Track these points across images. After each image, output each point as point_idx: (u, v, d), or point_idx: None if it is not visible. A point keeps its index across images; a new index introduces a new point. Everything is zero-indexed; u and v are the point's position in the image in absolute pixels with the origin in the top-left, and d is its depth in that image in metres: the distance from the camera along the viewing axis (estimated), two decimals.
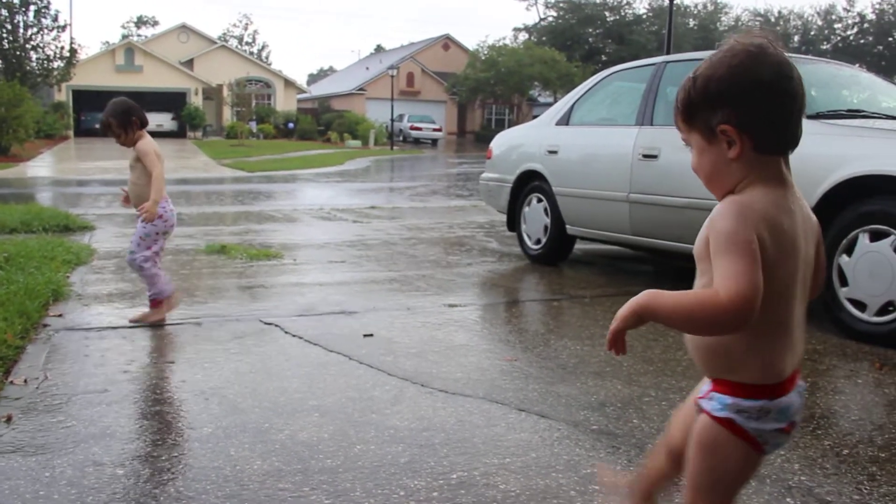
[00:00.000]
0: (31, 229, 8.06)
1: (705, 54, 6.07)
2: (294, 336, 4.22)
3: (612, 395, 3.33)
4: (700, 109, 1.47)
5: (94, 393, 3.27)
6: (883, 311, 4.20)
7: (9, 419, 2.95)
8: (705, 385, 1.55)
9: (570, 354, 3.97)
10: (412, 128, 49.31)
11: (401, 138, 48.38)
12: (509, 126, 9.47)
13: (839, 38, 60.66)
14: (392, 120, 46.54)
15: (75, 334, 4.21)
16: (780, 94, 1.43)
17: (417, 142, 48.59)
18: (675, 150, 5.50)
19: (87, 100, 45.75)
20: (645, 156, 5.69)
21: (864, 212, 4.28)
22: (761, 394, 1.47)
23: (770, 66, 1.43)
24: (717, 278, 1.38)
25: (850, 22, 61.02)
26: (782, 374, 1.48)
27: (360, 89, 55.10)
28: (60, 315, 4.58)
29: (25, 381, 3.38)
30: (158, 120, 47.53)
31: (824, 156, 4.46)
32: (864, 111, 5.22)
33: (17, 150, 25.21)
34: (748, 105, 1.42)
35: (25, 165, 22.14)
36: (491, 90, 50.53)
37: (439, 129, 50.02)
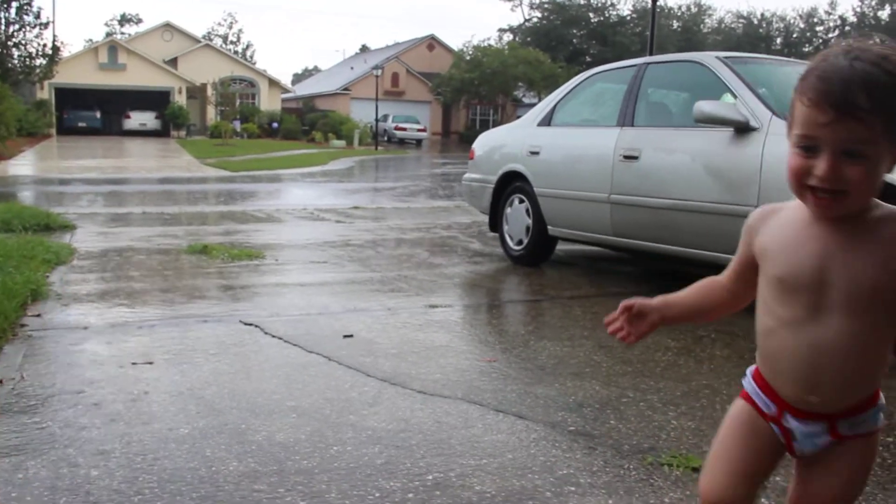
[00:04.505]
0: (10, 228, 7.99)
1: (686, 56, 6.12)
2: (274, 337, 4.20)
3: (590, 397, 3.33)
4: None
5: (70, 393, 3.25)
6: None
7: None
8: (811, 426, 1.44)
9: (549, 355, 3.97)
10: (397, 128, 49.27)
11: (385, 138, 48.34)
12: (494, 127, 9.45)
13: (821, 40, 61.06)
14: (376, 120, 46.48)
15: (53, 334, 4.18)
16: None
17: (402, 142, 48.57)
18: (655, 151, 5.53)
19: (70, 98, 45.55)
20: (626, 157, 5.71)
21: None
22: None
23: None
24: None
25: (831, 25, 61.46)
26: None
27: (345, 89, 55.02)
28: (39, 315, 4.55)
29: (1, 381, 3.35)
30: (142, 118, 47.39)
31: None
32: None
33: None
34: None
35: (7, 164, 21.96)
36: (475, 91, 50.58)
37: (424, 130, 49.99)
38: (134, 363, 3.71)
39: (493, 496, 2.38)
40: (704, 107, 4.96)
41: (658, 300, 1.64)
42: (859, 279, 1.33)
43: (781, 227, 1.44)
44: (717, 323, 4.66)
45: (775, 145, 4.61)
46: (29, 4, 33.56)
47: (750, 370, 1.56)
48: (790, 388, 1.42)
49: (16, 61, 33.86)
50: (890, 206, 1.37)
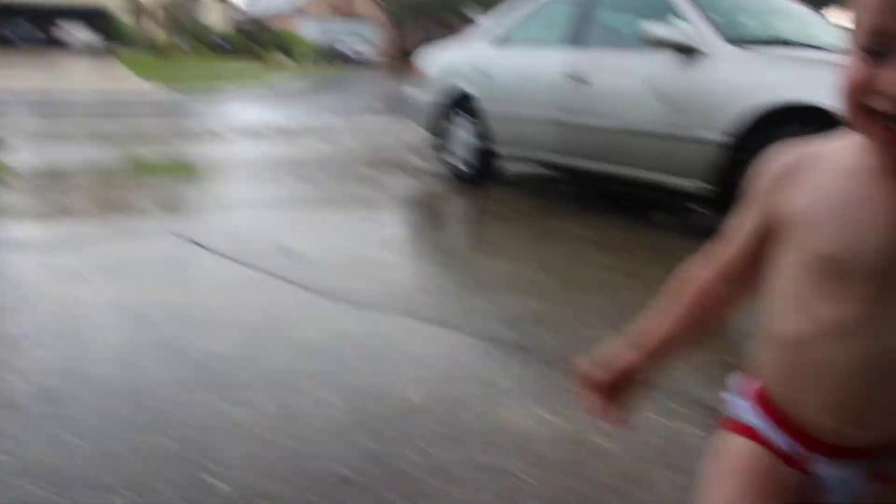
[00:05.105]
0: None
1: None
2: (212, 251, 4.16)
3: (527, 311, 3.37)
4: None
5: (6, 310, 3.19)
6: None
7: None
8: (847, 469, 0.99)
9: (488, 271, 4.00)
10: (346, 47, 48.36)
11: (335, 57, 47.45)
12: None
13: None
14: (326, 39, 45.52)
15: None
16: None
17: (351, 61, 47.72)
18: (604, 72, 5.50)
19: (3, 14, 43.87)
20: (574, 77, 5.67)
21: (779, 140, 4.34)
22: None
23: None
24: None
25: None
26: None
27: (295, 8, 53.65)
28: None
29: None
30: (81, 34, 45.89)
31: (744, 83, 4.50)
32: (787, 39, 5.25)
33: None
34: None
35: None
36: (428, 10, 49.70)
37: (373, 49, 49.15)
38: (70, 279, 3.65)
39: (425, 405, 2.41)
40: (651, 28, 4.94)
41: (636, 352, 1.14)
42: None
43: (827, 179, 0.96)
44: (653, 241, 4.72)
45: (722, 70, 4.62)
46: None
47: (736, 386, 1.12)
48: (825, 417, 0.98)
49: None
50: None
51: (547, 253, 4.43)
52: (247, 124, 11.82)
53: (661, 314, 1.14)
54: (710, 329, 1.14)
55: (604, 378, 1.14)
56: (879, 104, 0.83)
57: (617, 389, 1.15)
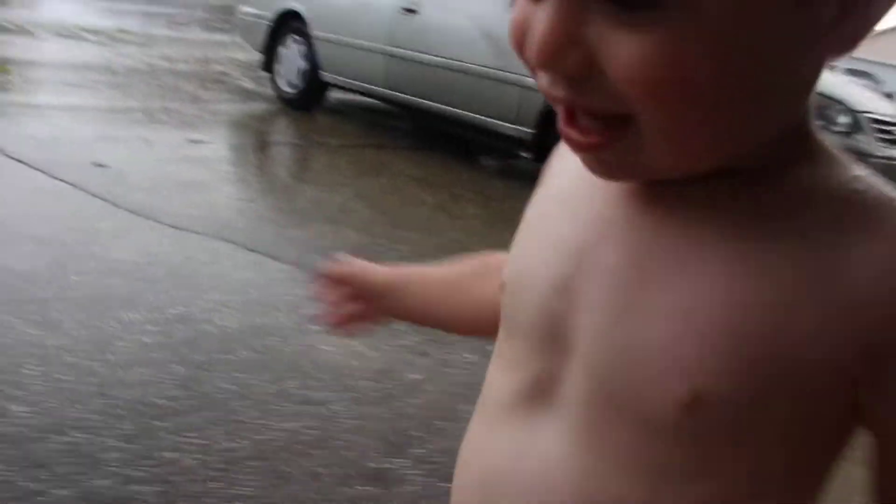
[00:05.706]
0: None
1: None
2: (15, 160, 3.92)
3: (343, 242, 3.43)
4: None
5: None
6: None
7: None
8: None
9: (308, 200, 4.02)
10: None
11: None
12: None
13: None
14: None
15: None
16: None
17: None
18: (435, 6, 5.54)
19: None
20: (406, 9, 5.68)
21: None
22: None
23: None
24: None
25: None
26: None
27: None
28: None
29: None
30: None
31: None
32: None
33: None
34: None
35: None
36: None
37: None
38: None
39: (236, 330, 2.44)
40: None
41: (389, 271, 0.85)
42: (651, 343, 0.46)
43: (569, 168, 0.55)
44: (476, 183, 4.88)
45: None
46: None
47: None
48: None
49: None
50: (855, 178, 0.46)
51: (367, 185, 4.50)
52: (62, 23, 11.01)
53: (434, 265, 0.87)
54: (472, 318, 0.79)
55: (345, 274, 0.84)
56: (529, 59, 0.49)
57: (355, 298, 0.84)
